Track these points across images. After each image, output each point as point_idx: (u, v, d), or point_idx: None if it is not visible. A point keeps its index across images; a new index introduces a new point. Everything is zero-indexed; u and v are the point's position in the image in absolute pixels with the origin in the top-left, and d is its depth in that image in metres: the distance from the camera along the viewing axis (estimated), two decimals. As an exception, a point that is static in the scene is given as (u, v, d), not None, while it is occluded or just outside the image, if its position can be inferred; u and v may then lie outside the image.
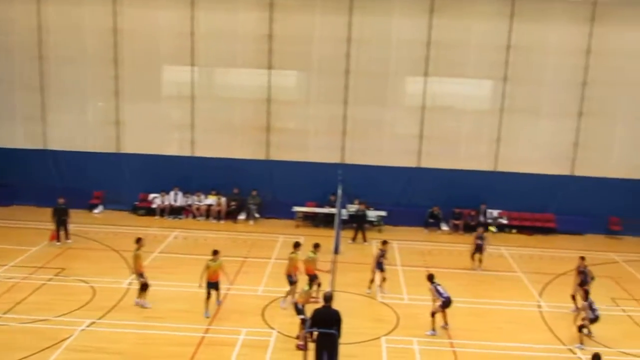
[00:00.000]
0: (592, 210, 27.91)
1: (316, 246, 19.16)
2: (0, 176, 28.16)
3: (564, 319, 18.69)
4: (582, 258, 19.90)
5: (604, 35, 26.98)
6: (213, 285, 17.78)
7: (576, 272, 19.72)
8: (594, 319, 17.07)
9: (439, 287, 17.34)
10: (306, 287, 16.42)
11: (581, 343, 16.98)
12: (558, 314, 19.17)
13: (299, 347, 15.63)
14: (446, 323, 17.49)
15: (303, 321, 15.60)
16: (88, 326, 16.74)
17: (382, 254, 20.40)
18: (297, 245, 18.77)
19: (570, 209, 28.12)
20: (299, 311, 16.05)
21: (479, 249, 22.96)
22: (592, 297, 17.49)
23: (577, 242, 27.00)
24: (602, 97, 27.50)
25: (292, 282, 18.41)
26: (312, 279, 17.86)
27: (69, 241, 23.73)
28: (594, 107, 27.58)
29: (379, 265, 20.26)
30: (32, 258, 21.97)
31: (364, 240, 25.81)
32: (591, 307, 17.09)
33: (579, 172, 28.12)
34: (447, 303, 17.22)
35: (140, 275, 18.09)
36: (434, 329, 17.17)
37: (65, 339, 15.87)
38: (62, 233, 23.75)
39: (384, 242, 20.87)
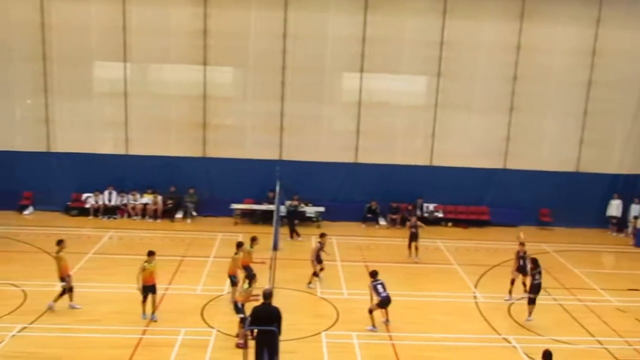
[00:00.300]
0: (524, 202, 28.73)
1: (253, 239, 19.22)
2: None
3: (499, 309, 19.20)
4: (522, 244, 20.49)
5: (533, 32, 27.74)
6: (150, 288, 17.22)
7: (516, 257, 20.32)
8: (535, 287, 18.00)
9: (378, 286, 17.29)
10: (246, 286, 16.24)
11: (529, 315, 18.05)
12: (493, 304, 19.64)
13: (238, 346, 15.52)
14: (387, 319, 17.56)
15: (242, 320, 15.48)
16: (19, 331, 16.20)
17: (321, 247, 20.55)
18: (240, 245, 18.51)
19: (503, 202, 28.88)
20: (239, 310, 15.88)
21: (414, 237, 23.52)
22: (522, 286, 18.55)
23: (511, 233, 27.40)
24: (532, 92, 28.25)
25: (234, 282, 18.20)
26: (249, 274, 17.74)
27: None
28: (525, 102, 28.32)
29: (318, 258, 20.36)
30: (-42, 262, 21.16)
31: (297, 235, 25.76)
32: (534, 276, 18.02)
33: (511, 165, 28.84)
34: (384, 302, 17.25)
35: (67, 277, 17.60)
36: (373, 325, 17.24)
37: (-5, 346, 15.36)
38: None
39: (322, 235, 21.00)
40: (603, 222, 28.92)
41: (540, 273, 18.22)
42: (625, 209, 28.60)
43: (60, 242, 17.76)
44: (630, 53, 28.07)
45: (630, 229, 28.19)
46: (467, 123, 28.56)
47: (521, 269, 19.99)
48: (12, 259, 21.76)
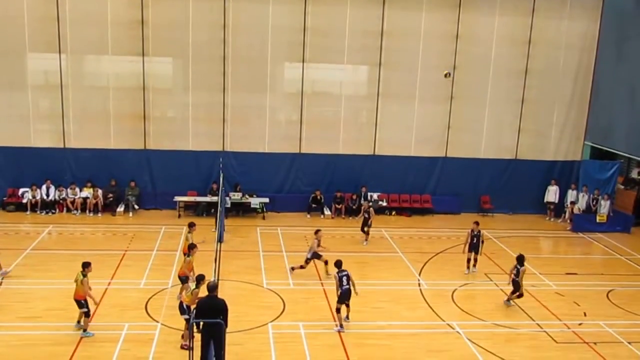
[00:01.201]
0: (465, 190, 29.24)
1: (191, 225, 19.10)
2: None
3: (443, 296, 19.50)
4: (477, 223, 21.39)
5: (471, 21, 28.14)
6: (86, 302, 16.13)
7: (469, 236, 21.17)
8: (513, 283, 18.76)
9: (343, 278, 16.93)
10: (192, 286, 15.73)
11: (509, 300, 18.91)
12: (437, 291, 19.94)
13: (183, 347, 15.19)
14: (347, 316, 17.22)
15: (188, 321, 15.10)
16: (-45, 332, 15.71)
17: (318, 244, 20.45)
18: (192, 247, 17.94)
19: (445, 190, 29.34)
20: (183, 311, 15.44)
21: (365, 222, 24.13)
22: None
23: (453, 221, 28.18)
24: (471, 81, 28.64)
25: (184, 282, 17.74)
26: (198, 276, 17.36)
27: None
28: (464, 90, 28.68)
29: (316, 254, 20.36)
30: None
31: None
32: (512, 271, 18.79)
33: (452, 153, 29.25)
34: (344, 295, 16.81)
35: None
36: (341, 325, 16.86)
37: None
38: None
39: (317, 231, 20.76)
40: (541, 208, 29.65)
41: (518, 271, 18.49)
42: (562, 195, 29.32)
43: None
44: (564, 42, 28.78)
45: (567, 215, 28.93)
46: (408, 112, 28.78)
47: (473, 247, 21.07)
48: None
